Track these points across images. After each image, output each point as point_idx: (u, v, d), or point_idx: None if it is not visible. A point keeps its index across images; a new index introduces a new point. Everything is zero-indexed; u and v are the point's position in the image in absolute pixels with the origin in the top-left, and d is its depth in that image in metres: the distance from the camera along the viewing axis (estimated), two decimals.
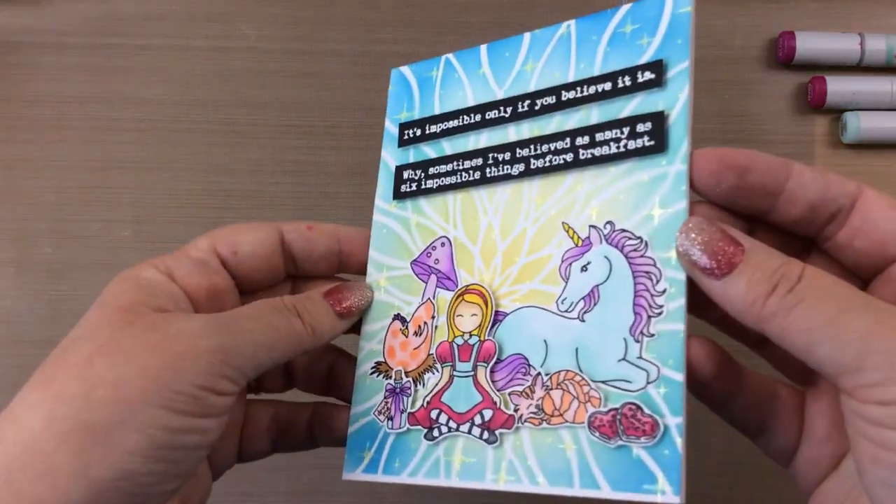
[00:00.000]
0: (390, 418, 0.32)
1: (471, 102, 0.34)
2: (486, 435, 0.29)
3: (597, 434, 0.27)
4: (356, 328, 0.35)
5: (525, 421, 0.29)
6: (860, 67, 0.48)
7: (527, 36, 0.33)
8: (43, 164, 0.49)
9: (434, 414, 0.31)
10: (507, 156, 0.32)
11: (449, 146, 0.34)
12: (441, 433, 0.30)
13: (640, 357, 0.27)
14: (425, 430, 0.31)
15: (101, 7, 0.50)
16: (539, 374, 0.29)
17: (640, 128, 0.29)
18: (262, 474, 0.45)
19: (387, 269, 0.34)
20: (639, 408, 0.26)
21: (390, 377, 0.32)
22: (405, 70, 0.36)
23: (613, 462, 0.27)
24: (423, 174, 0.34)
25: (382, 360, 0.33)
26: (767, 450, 0.29)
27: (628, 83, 0.30)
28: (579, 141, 0.30)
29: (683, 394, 0.26)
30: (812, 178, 0.26)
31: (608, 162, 0.30)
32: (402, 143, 0.35)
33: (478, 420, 0.30)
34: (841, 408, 0.25)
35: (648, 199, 0.28)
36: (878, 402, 0.23)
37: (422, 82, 0.35)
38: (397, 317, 0.33)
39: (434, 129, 0.34)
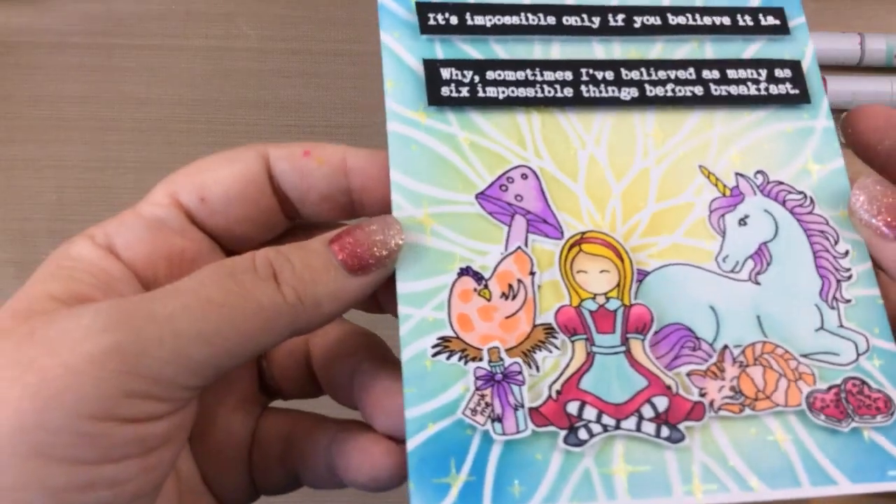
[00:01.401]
0: (496, 419, 0.20)
1: None
2: (665, 432, 0.20)
3: (822, 417, 0.21)
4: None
5: (719, 409, 0.21)
6: (860, 67, 0.43)
7: None
8: (43, 164, 0.42)
9: (573, 408, 0.20)
10: (610, 75, 0.24)
11: (504, 51, 0.23)
12: (592, 434, 0.20)
13: (842, 326, 0.22)
14: (564, 432, 0.20)
15: (101, 7, 0.43)
16: (726, 346, 0.21)
17: (779, 73, 0.24)
18: None
19: (431, 203, 0.22)
20: (864, 382, 0.21)
21: (479, 358, 0.20)
22: None
23: (844, 449, 0.21)
24: (476, 77, 0.23)
25: (452, 333, 0.21)
26: None
27: (750, 23, 0.25)
28: (707, 74, 0.24)
29: None
30: None
31: (743, 105, 0.24)
32: (427, 29, 0.23)
33: (648, 412, 0.20)
34: None
35: (799, 152, 0.24)
36: None
37: None
38: (467, 271, 0.22)
39: (480, 20, 0.24)
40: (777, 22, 0.25)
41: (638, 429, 0.20)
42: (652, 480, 0.20)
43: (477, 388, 0.20)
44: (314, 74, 0.44)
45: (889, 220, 0.21)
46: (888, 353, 0.21)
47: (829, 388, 0.21)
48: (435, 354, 0.21)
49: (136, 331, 0.17)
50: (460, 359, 0.20)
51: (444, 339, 0.21)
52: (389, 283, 0.21)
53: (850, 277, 0.22)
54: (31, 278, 0.20)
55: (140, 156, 0.45)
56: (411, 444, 0.19)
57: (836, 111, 0.48)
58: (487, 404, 0.20)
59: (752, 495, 0.20)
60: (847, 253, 0.23)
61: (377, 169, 0.22)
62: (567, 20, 0.24)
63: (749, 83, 0.24)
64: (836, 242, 0.23)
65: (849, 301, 0.22)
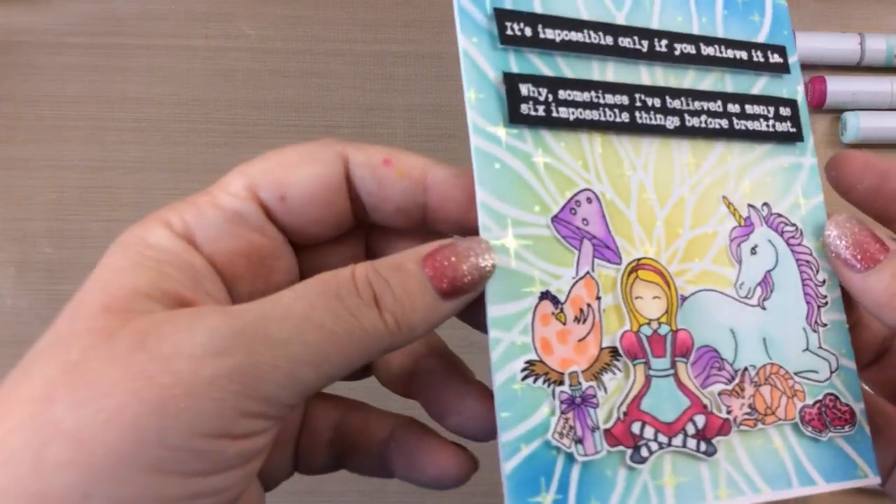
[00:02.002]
0: (578, 441, 0.21)
1: (584, 13, 0.24)
2: (703, 446, 0.23)
3: (809, 429, 0.25)
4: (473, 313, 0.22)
5: (741, 424, 0.24)
6: (860, 67, 0.45)
7: None
8: (43, 164, 0.43)
9: (637, 428, 0.22)
10: (658, 102, 0.25)
11: (568, 67, 0.24)
12: (651, 451, 0.22)
13: (821, 347, 0.25)
14: (630, 451, 0.22)
15: (101, 7, 0.44)
16: (745, 369, 0.24)
17: (783, 111, 0.26)
18: None
19: (514, 225, 0.22)
20: (836, 398, 0.25)
21: (561, 382, 0.22)
22: None
23: (822, 455, 0.24)
24: (550, 96, 0.23)
25: (536, 357, 0.22)
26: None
27: (761, 59, 0.27)
28: (731, 107, 0.26)
29: (857, 379, 0.25)
30: None
31: (755, 139, 0.26)
32: (506, 39, 0.23)
33: (690, 429, 0.23)
34: None
35: (792, 186, 0.26)
36: None
37: None
38: (546, 295, 0.22)
39: (550, 34, 0.24)
40: (780, 60, 0.27)
41: (684, 445, 0.23)
42: (691, 489, 0.23)
43: (562, 413, 0.21)
44: (314, 74, 0.45)
45: (856, 253, 0.24)
46: (849, 370, 0.25)
47: (814, 403, 0.25)
48: (524, 378, 0.22)
49: (254, 355, 0.18)
50: (545, 382, 0.22)
51: (531, 362, 0.22)
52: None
53: (826, 304, 0.26)
54: (108, 265, 0.19)
55: (140, 156, 0.45)
56: (508, 466, 0.21)
57: (836, 111, 0.47)
58: (571, 427, 0.22)
59: (760, 496, 0.23)
60: (824, 282, 0.26)
61: (457, 190, 0.22)
62: (622, 41, 0.25)
63: (761, 119, 0.26)
64: (818, 272, 0.26)
65: (825, 325, 0.25)
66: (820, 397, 0.25)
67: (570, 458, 0.21)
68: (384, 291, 0.19)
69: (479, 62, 0.23)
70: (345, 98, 0.46)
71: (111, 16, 0.46)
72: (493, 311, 0.21)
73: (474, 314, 0.22)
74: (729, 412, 0.23)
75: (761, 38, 0.27)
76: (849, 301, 0.26)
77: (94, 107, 0.46)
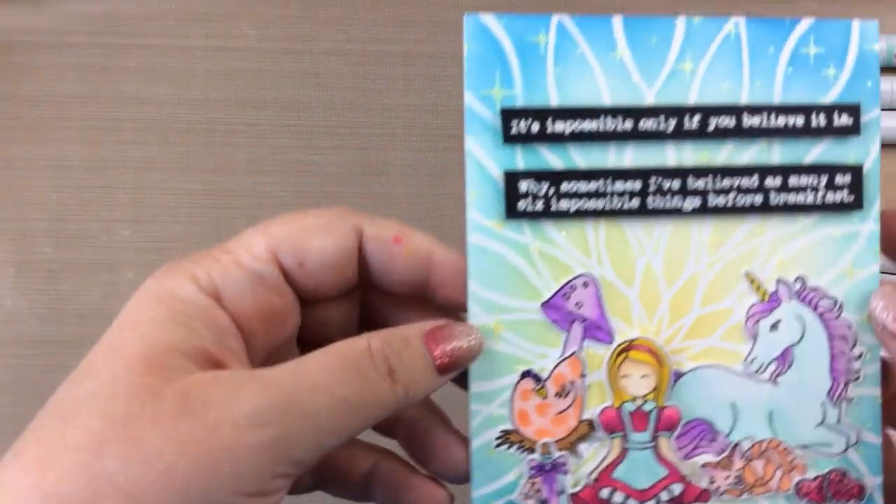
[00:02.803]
0: (543, 502, 0.25)
1: (606, 98, 0.25)
2: None
3: (805, 501, 0.26)
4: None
5: (723, 493, 0.26)
6: None
7: (680, 22, 0.25)
8: (43, 164, 0.44)
9: (605, 493, 0.25)
10: (676, 184, 0.25)
11: (581, 156, 0.25)
12: None
13: (839, 422, 0.26)
14: None
15: (101, 7, 0.44)
16: (738, 443, 0.26)
17: (839, 180, 0.25)
18: None
19: (502, 311, 0.25)
20: (845, 473, 0.26)
21: (532, 450, 0.25)
22: (490, 22, 0.25)
23: None
24: (552, 190, 0.25)
25: (512, 427, 0.25)
26: None
27: (823, 124, 0.25)
28: (769, 182, 0.25)
29: (881, 455, 0.26)
30: None
31: (798, 212, 0.25)
32: (510, 138, 0.25)
33: (665, 496, 0.26)
34: None
35: (841, 256, 0.26)
36: None
37: (524, 49, 0.25)
38: (528, 374, 0.25)
39: (561, 127, 0.25)
40: (850, 122, 0.25)
41: None
42: None
43: (530, 477, 0.25)
44: (314, 74, 0.45)
45: None
46: (871, 445, 0.26)
47: (816, 478, 0.26)
48: (498, 445, 0.25)
49: (288, 427, 0.20)
50: (518, 449, 0.25)
51: (506, 432, 0.25)
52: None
53: (857, 378, 0.26)
54: (143, 315, 0.21)
55: (140, 156, 0.45)
56: None
57: None
58: (537, 490, 0.25)
59: None
60: (861, 356, 0.26)
61: (457, 273, 0.25)
62: (643, 123, 0.25)
63: (808, 190, 0.25)
64: (854, 346, 0.26)
65: (851, 399, 0.26)
66: (824, 472, 0.26)
67: None
68: (397, 365, 0.22)
69: (483, 160, 0.25)
70: (345, 98, 0.46)
71: (111, 16, 0.46)
72: (475, 386, 0.25)
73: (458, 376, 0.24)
74: (711, 482, 0.26)
75: (832, 95, 0.26)
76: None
77: (94, 107, 0.46)
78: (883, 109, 0.47)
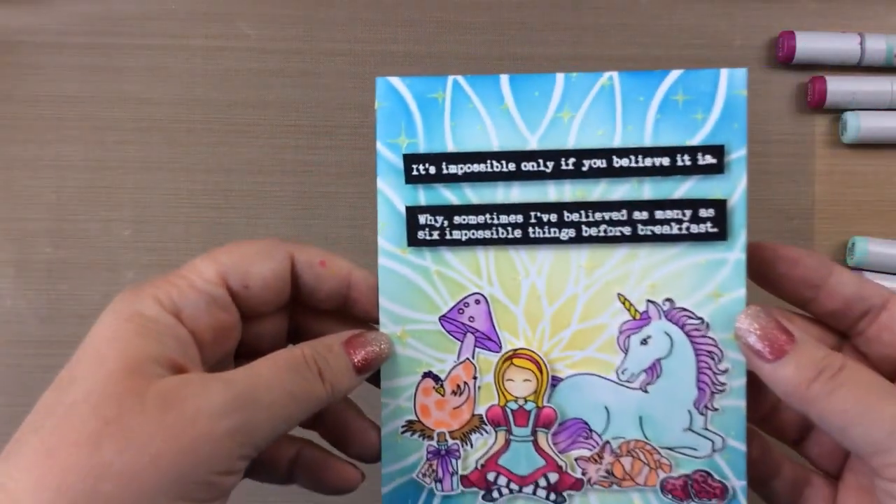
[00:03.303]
0: (438, 480, 0.31)
1: (495, 143, 0.31)
2: (553, 496, 0.31)
3: (669, 497, 0.31)
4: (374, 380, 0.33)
5: (594, 484, 0.31)
6: (860, 67, 0.47)
7: (560, 77, 0.30)
8: (43, 164, 0.48)
9: (491, 476, 0.31)
10: (554, 217, 0.30)
11: (473, 193, 0.31)
12: (501, 494, 0.31)
13: (706, 428, 0.30)
14: (482, 492, 0.31)
15: (101, 7, 0.49)
16: (608, 442, 0.31)
17: (703, 213, 0.30)
18: None
19: (407, 322, 0.31)
20: (709, 474, 0.30)
21: (431, 438, 0.31)
22: (397, 83, 0.31)
23: None
24: (446, 223, 0.31)
25: (415, 418, 0.32)
26: None
27: (688, 163, 0.29)
28: (637, 215, 0.30)
29: (745, 461, 0.30)
30: (850, 279, 0.30)
31: (665, 241, 0.30)
32: (411, 179, 0.31)
33: (542, 483, 0.31)
34: (867, 499, 0.29)
35: (707, 281, 0.30)
36: None
37: (424, 104, 0.31)
38: (429, 374, 0.31)
39: (454, 169, 0.30)
40: (713, 161, 0.29)
41: (534, 493, 0.31)
42: None
43: (428, 459, 0.31)
44: (314, 74, 0.45)
45: (765, 345, 0.28)
46: (737, 450, 0.30)
47: (680, 477, 0.31)
48: (403, 432, 0.32)
49: (250, 416, 0.26)
50: (419, 436, 0.32)
51: (410, 421, 0.32)
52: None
53: (723, 390, 0.30)
54: (107, 332, 0.26)
55: (140, 156, 0.46)
56: (385, 489, 0.32)
57: (836, 111, 0.47)
58: (434, 470, 0.31)
59: None
60: (727, 370, 0.30)
61: (370, 290, 0.31)
62: (525, 166, 0.30)
63: (673, 223, 0.30)
64: (720, 360, 0.30)
65: (717, 409, 0.30)
66: (689, 472, 0.30)
67: (432, 492, 0.31)
68: (326, 368, 0.28)
69: (391, 197, 0.31)
70: (345, 98, 0.47)
71: (111, 16, 0.47)
72: (385, 384, 0.32)
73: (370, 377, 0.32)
74: (584, 473, 0.31)
75: (700, 137, 0.30)
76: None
77: (94, 107, 0.47)
78: (883, 109, 0.47)
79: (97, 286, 0.48)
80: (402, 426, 0.32)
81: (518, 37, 0.49)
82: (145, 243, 0.48)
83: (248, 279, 0.29)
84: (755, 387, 0.30)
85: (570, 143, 0.30)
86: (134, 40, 0.49)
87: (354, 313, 0.32)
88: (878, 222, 0.48)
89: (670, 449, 0.31)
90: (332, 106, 0.49)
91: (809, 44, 0.47)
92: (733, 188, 0.30)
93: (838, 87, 0.47)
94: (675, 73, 0.30)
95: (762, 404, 0.32)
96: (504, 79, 0.31)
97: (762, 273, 0.31)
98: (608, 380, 0.31)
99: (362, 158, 0.48)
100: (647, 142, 0.30)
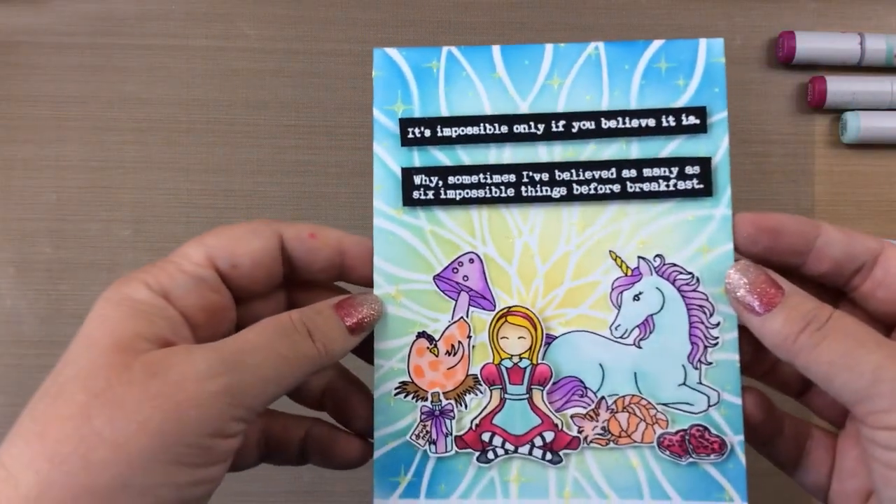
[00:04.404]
0: (432, 442, 0.31)
1: (487, 108, 0.32)
2: (549, 456, 0.31)
3: (667, 453, 0.31)
4: (364, 348, 0.33)
5: (591, 442, 0.31)
6: (860, 67, 0.48)
7: (549, 47, 0.32)
8: (43, 164, 0.48)
9: (486, 437, 0.31)
10: (545, 176, 0.31)
11: (466, 155, 0.32)
12: (497, 455, 0.31)
13: (700, 383, 0.31)
14: (477, 453, 0.31)
15: (101, 7, 0.50)
16: (603, 398, 0.31)
17: (689, 170, 0.31)
18: (262, 474, 0.45)
19: (401, 282, 0.32)
20: (706, 429, 0.30)
21: (425, 398, 0.32)
22: (394, 53, 0.32)
23: (682, 476, 0.31)
24: (440, 182, 0.32)
25: (409, 379, 0.32)
26: (804, 484, 0.32)
27: (672, 123, 0.31)
28: (626, 173, 0.31)
29: (742, 415, 0.31)
30: (837, 237, 0.30)
31: (654, 199, 0.31)
32: (407, 142, 0.32)
33: (538, 442, 0.31)
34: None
35: (696, 237, 0.31)
36: (886, 426, 0.26)
37: (420, 73, 0.32)
38: (423, 334, 0.32)
39: (448, 132, 0.32)
40: (697, 121, 0.31)
41: (530, 453, 0.31)
42: (536, 488, 0.31)
43: (421, 420, 0.31)
44: (314, 74, 0.45)
45: (754, 298, 0.28)
46: (733, 405, 0.31)
47: (677, 432, 0.31)
48: (396, 394, 0.32)
49: (238, 376, 0.26)
50: (413, 398, 0.31)
51: (404, 383, 0.32)
52: (367, 340, 0.32)
53: (716, 344, 0.31)
54: (99, 315, 0.27)
55: (140, 156, 0.46)
56: (377, 454, 0.31)
57: (836, 111, 0.47)
58: (427, 432, 0.31)
59: (606, 502, 0.30)
60: (719, 324, 0.31)
61: (364, 253, 0.32)
62: (517, 128, 0.31)
63: (661, 180, 0.31)
64: (712, 315, 0.31)
65: (711, 363, 0.31)
66: (686, 427, 0.31)
67: (426, 454, 0.31)
68: (315, 329, 0.29)
69: (387, 160, 0.32)
70: (345, 98, 0.47)
71: (111, 16, 0.47)
72: (379, 345, 0.32)
73: (365, 352, 0.32)
74: (580, 431, 0.31)
75: (683, 101, 0.31)
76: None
77: (94, 107, 0.47)
78: (883, 109, 0.47)
79: (97, 286, 0.48)
80: (396, 388, 0.32)
81: (518, 37, 0.50)
82: (145, 243, 0.48)
83: (235, 259, 0.30)
84: (754, 343, 0.30)
85: (560, 107, 0.32)
86: (134, 40, 0.50)
87: (352, 280, 0.33)
88: (878, 222, 0.49)
89: (666, 405, 0.31)
90: (332, 106, 0.49)
91: (809, 44, 0.48)
92: (716, 147, 0.31)
93: (838, 87, 0.48)
94: (657, 43, 0.32)
95: (763, 360, 0.33)
96: (496, 49, 0.32)
97: (746, 248, 0.31)
98: (602, 336, 0.31)
99: (362, 158, 0.48)
100: (633, 105, 0.32)
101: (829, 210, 0.49)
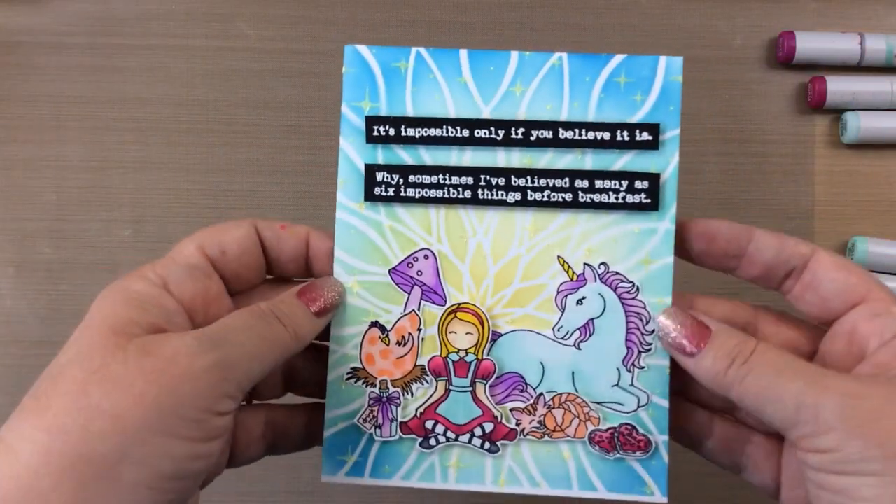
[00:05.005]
0: (378, 426, 0.33)
1: (451, 111, 0.34)
2: (487, 445, 0.34)
3: (596, 448, 0.33)
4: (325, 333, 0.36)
5: (527, 434, 0.33)
6: (860, 67, 0.49)
7: (514, 55, 0.33)
8: (43, 164, 0.49)
9: (429, 424, 0.34)
10: (502, 181, 0.33)
11: (428, 155, 0.34)
12: (438, 442, 0.34)
13: (632, 385, 0.33)
14: (420, 439, 0.34)
15: (101, 7, 0.51)
16: (542, 394, 0.34)
17: (638, 185, 0.33)
18: (261, 474, 0.46)
19: (358, 273, 0.34)
20: (634, 428, 0.33)
21: (374, 385, 0.34)
22: (364, 51, 0.34)
23: (609, 470, 0.33)
24: (401, 180, 0.33)
25: (360, 366, 0.34)
26: (753, 485, 0.34)
27: (626, 138, 0.33)
28: (578, 183, 0.33)
29: (667, 417, 0.33)
30: (769, 242, 0.32)
31: (603, 209, 0.33)
32: (372, 139, 0.33)
33: (478, 432, 0.33)
34: None
35: (640, 248, 0.33)
36: (813, 449, 0.28)
37: (388, 72, 0.33)
38: (375, 324, 0.34)
39: (411, 132, 0.33)
40: (650, 138, 0.32)
41: (469, 442, 0.33)
42: (473, 474, 0.33)
43: (369, 405, 0.33)
44: (314, 74, 0.45)
45: (683, 341, 0.30)
46: (661, 407, 0.33)
47: (608, 429, 0.33)
48: (348, 378, 0.34)
49: (226, 353, 0.28)
50: (363, 383, 0.33)
51: (355, 369, 0.34)
52: (327, 328, 0.34)
53: (650, 350, 0.33)
54: (98, 306, 0.28)
55: (140, 156, 0.46)
56: (327, 433, 0.34)
57: (836, 111, 0.48)
58: (374, 416, 0.33)
59: (538, 490, 0.33)
60: (653, 332, 0.33)
61: (327, 245, 0.34)
62: (478, 132, 0.33)
63: (611, 192, 0.32)
64: (648, 322, 0.33)
65: (643, 367, 0.33)
66: (616, 425, 0.33)
67: (372, 438, 0.33)
68: (284, 316, 0.31)
69: (352, 156, 0.34)
70: None
71: (111, 16, 0.47)
72: (335, 331, 0.34)
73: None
74: (518, 424, 0.33)
75: (638, 116, 0.33)
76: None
77: (94, 107, 0.47)
78: (883, 109, 0.47)
79: (97, 286, 0.48)
80: (347, 373, 0.34)
81: (518, 37, 0.51)
82: (145, 243, 0.50)
83: (223, 245, 0.32)
84: (685, 379, 0.33)
85: (521, 114, 0.33)
86: (134, 40, 0.51)
87: (315, 271, 0.35)
88: (878, 222, 0.50)
89: (599, 403, 0.33)
90: (332, 106, 0.50)
91: (809, 44, 0.49)
92: (666, 164, 0.33)
93: (838, 87, 0.49)
94: (618, 58, 0.33)
95: (693, 389, 0.35)
96: (463, 53, 0.34)
97: (684, 250, 0.33)
98: (545, 336, 0.33)
99: None
100: (591, 118, 0.33)
101: (829, 210, 0.50)
